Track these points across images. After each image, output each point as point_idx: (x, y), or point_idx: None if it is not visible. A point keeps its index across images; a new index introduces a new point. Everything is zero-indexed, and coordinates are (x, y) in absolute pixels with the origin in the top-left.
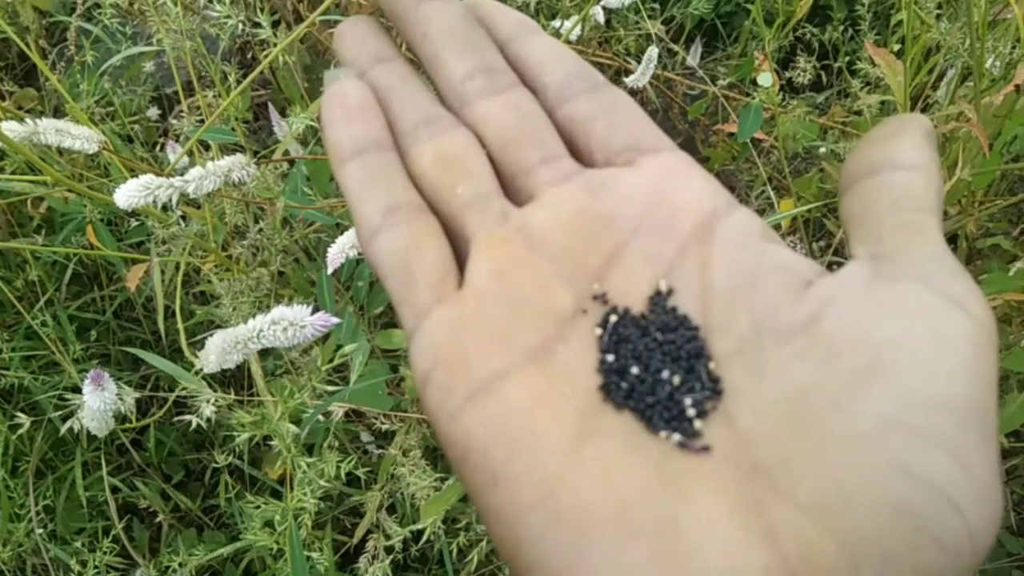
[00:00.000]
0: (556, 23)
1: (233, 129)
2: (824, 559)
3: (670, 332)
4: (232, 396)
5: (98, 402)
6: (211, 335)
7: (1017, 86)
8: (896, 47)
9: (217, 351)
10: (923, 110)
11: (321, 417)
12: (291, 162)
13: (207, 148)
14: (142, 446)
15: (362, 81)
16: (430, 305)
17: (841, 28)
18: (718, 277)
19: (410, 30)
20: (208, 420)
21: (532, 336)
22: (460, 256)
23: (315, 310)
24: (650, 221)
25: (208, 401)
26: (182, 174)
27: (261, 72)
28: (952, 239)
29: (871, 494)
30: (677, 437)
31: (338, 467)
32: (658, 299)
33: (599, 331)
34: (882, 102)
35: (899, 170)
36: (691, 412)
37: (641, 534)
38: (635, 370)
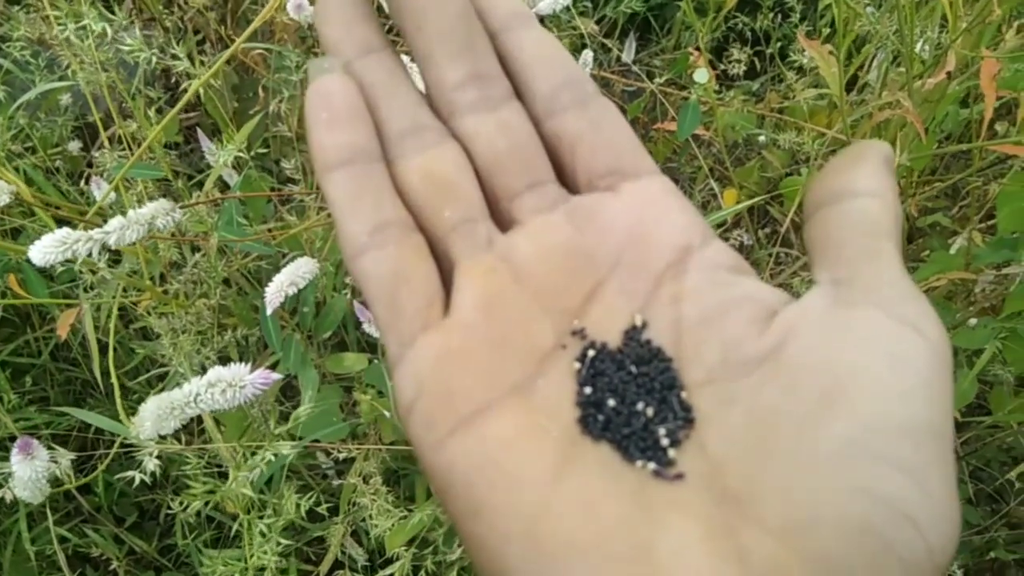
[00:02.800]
0: None
1: (158, 162)
2: None
3: (644, 364)
4: (179, 445)
5: (29, 471)
6: (155, 376)
7: (948, 72)
8: (826, 31)
9: (152, 417)
10: (858, 93)
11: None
12: (224, 189)
13: (133, 180)
14: (90, 490)
15: (349, 78)
16: (416, 333)
17: (771, 15)
18: (689, 310)
19: (404, 18)
20: (153, 473)
21: (514, 370)
22: (443, 273)
23: (262, 346)
24: (628, 257)
25: (151, 454)
26: (109, 212)
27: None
28: None
29: (835, 516)
30: (652, 466)
31: (298, 506)
32: (633, 333)
33: (577, 365)
34: (818, 93)
35: (858, 197)
36: (665, 442)
37: (619, 562)
38: (611, 402)
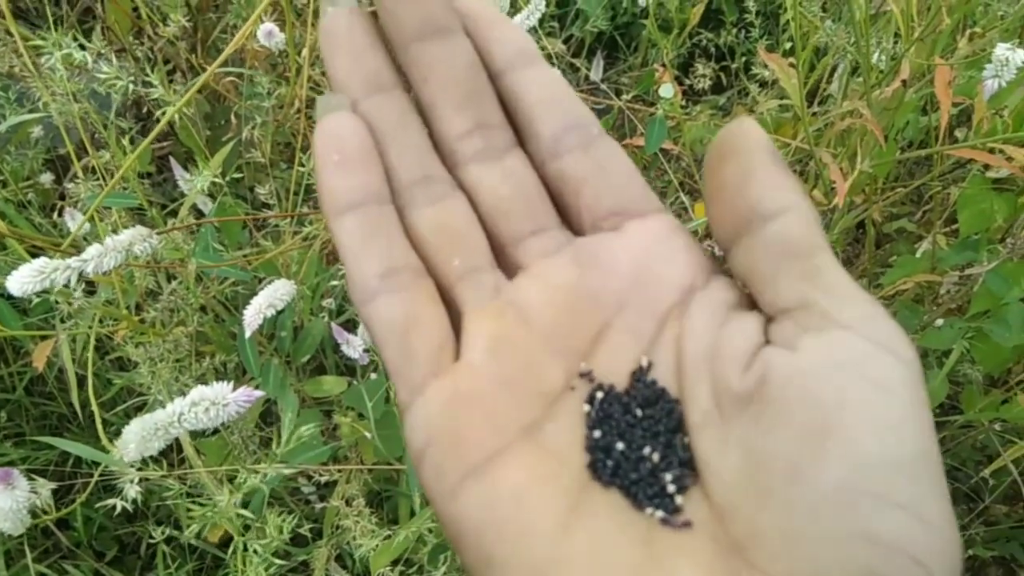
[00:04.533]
0: None
1: (131, 190)
2: None
3: (650, 407)
4: (160, 471)
5: (9, 502)
6: (132, 407)
7: (904, 81)
8: (788, 45)
9: (136, 439)
10: (820, 103)
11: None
12: (199, 217)
13: (108, 209)
14: (69, 526)
15: (358, 118)
16: (427, 379)
17: (734, 31)
18: (688, 349)
19: (411, 68)
20: (135, 501)
21: (524, 414)
22: (452, 323)
23: (241, 372)
24: (634, 298)
25: (132, 481)
26: (84, 243)
27: (168, 123)
28: (860, 225)
29: (839, 563)
30: (660, 514)
31: (281, 529)
32: (639, 374)
33: (587, 407)
34: (780, 105)
35: (770, 220)
36: (671, 488)
37: None
38: (620, 446)
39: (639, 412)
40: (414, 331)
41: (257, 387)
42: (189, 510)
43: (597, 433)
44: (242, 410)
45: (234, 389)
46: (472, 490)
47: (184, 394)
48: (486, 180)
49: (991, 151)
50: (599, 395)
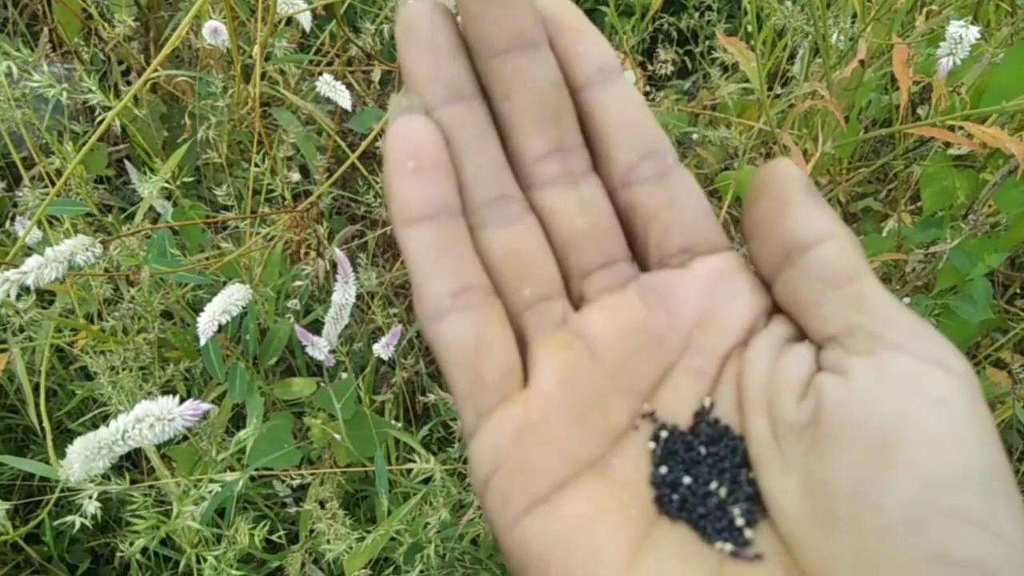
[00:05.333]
0: None
1: (82, 197)
2: None
3: (714, 444)
4: (122, 485)
5: None
6: (100, 416)
7: (861, 61)
8: (750, 28)
9: (80, 459)
10: (783, 85)
11: (220, 487)
12: (154, 221)
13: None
14: (39, 539)
15: (434, 124)
16: (495, 404)
17: (697, 15)
18: (747, 386)
19: (493, 81)
20: (105, 516)
21: (591, 447)
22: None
23: (208, 377)
24: (697, 340)
25: (91, 497)
26: (40, 251)
27: (119, 127)
28: None
29: None
30: (730, 547)
31: (251, 536)
32: (702, 413)
33: (652, 445)
34: (743, 88)
35: (808, 250)
36: (740, 522)
37: None
38: (686, 481)
39: (703, 450)
40: (484, 354)
41: (224, 392)
42: (128, 524)
43: (663, 469)
44: (189, 423)
45: (202, 394)
46: (538, 519)
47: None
48: (561, 208)
49: (951, 128)
50: (663, 433)
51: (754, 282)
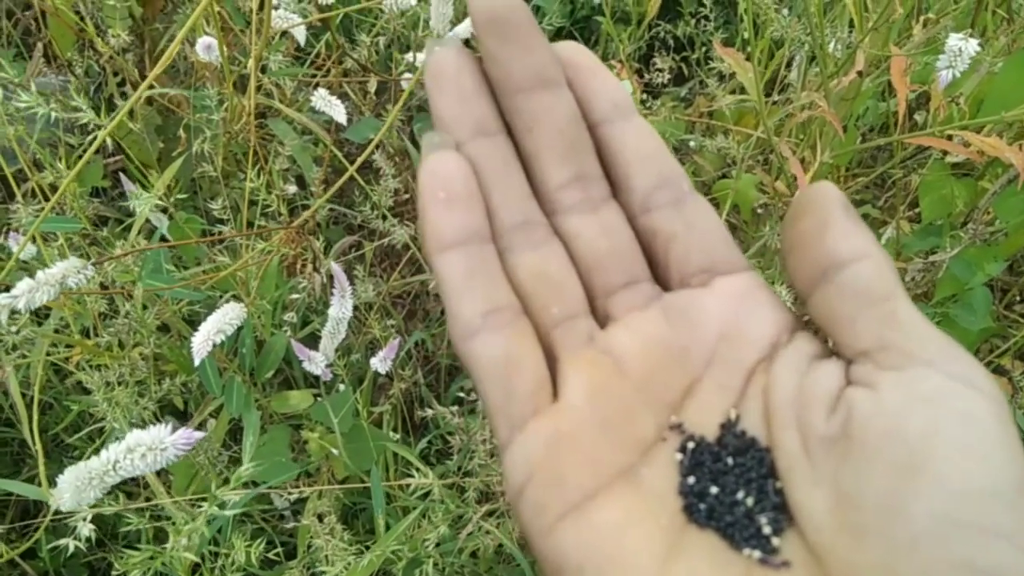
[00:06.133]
0: (409, 56)
1: (76, 213)
2: None
3: (741, 455)
4: (117, 506)
5: None
6: (96, 430)
7: (859, 72)
8: (746, 35)
9: (71, 489)
10: (780, 92)
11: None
12: (150, 234)
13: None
14: (35, 555)
15: (463, 158)
16: (527, 417)
17: (693, 22)
18: (775, 400)
19: (515, 117)
20: (88, 540)
21: (621, 458)
22: (548, 365)
23: (205, 391)
24: (722, 354)
25: (85, 519)
26: (34, 266)
27: (114, 140)
28: None
29: None
30: (758, 554)
31: (247, 553)
32: (729, 426)
33: (679, 456)
34: (738, 98)
35: (845, 267)
36: (767, 530)
37: None
38: (714, 490)
39: (730, 460)
40: (515, 370)
41: (221, 406)
42: (127, 537)
43: (691, 479)
44: (182, 453)
45: (199, 408)
46: (572, 526)
47: (144, 420)
48: (584, 232)
49: (949, 138)
50: (691, 444)
51: (775, 300)
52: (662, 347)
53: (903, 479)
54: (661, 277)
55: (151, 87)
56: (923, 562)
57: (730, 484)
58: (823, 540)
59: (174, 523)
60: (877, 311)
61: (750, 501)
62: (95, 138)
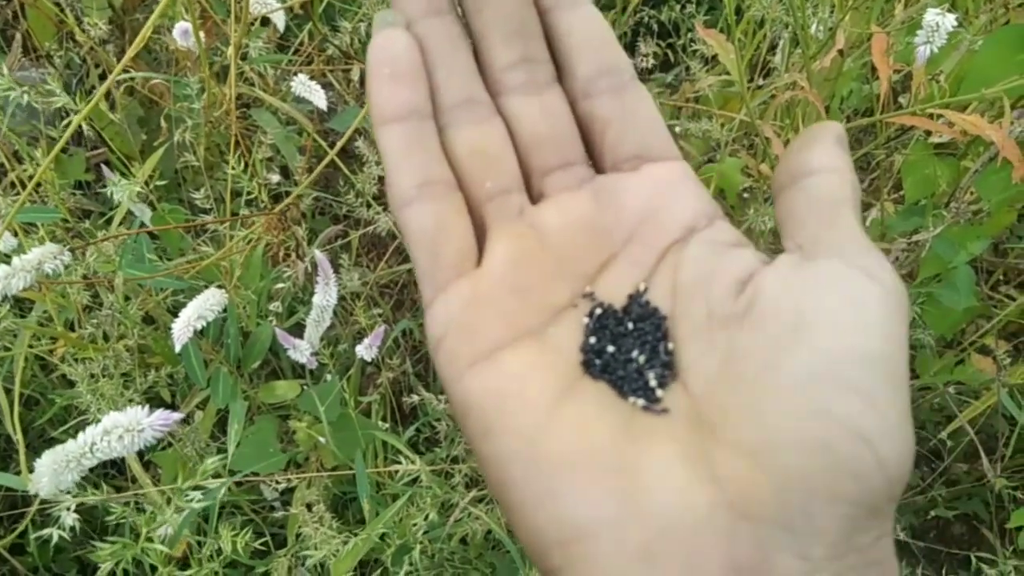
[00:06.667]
0: None
1: (56, 204)
2: (758, 493)
3: (641, 322)
4: (100, 495)
5: None
6: (83, 423)
7: (840, 50)
8: (733, 18)
9: (49, 472)
10: (764, 76)
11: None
12: (141, 227)
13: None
14: (24, 550)
15: (411, 36)
16: (450, 280)
17: (678, 7)
18: (685, 276)
19: None
20: (72, 529)
21: (531, 318)
22: (477, 234)
23: (191, 382)
24: (641, 233)
25: (69, 508)
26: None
27: (96, 132)
28: None
29: (796, 436)
30: (641, 402)
31: (234, 543)
32: (636, 296)
33: (585, 320)
34: (724, 80)
35: (814, 175)
36: (653, 383)
37: (606, 476)
38: (610, 349)
39: (631, 325)
40: (442, 237)
41: (209, 397)
42: (94, 548)
43: (592, 339)
44: (159, 434)
45: (184, 400)
46: (480, 373)
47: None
48: (525, 113)
49: (931, 117)
50: (598, 311)
51: (699, 189)
52: (585, 225)
53: (786, 342)
54: (596, 161)
55: (127, 72)
56: (787, 405)
57: (627, 344)
58: (706, 391)
59: (154, 514)
60: (824, 212)
61: (642, 359)
62: (80, 130)
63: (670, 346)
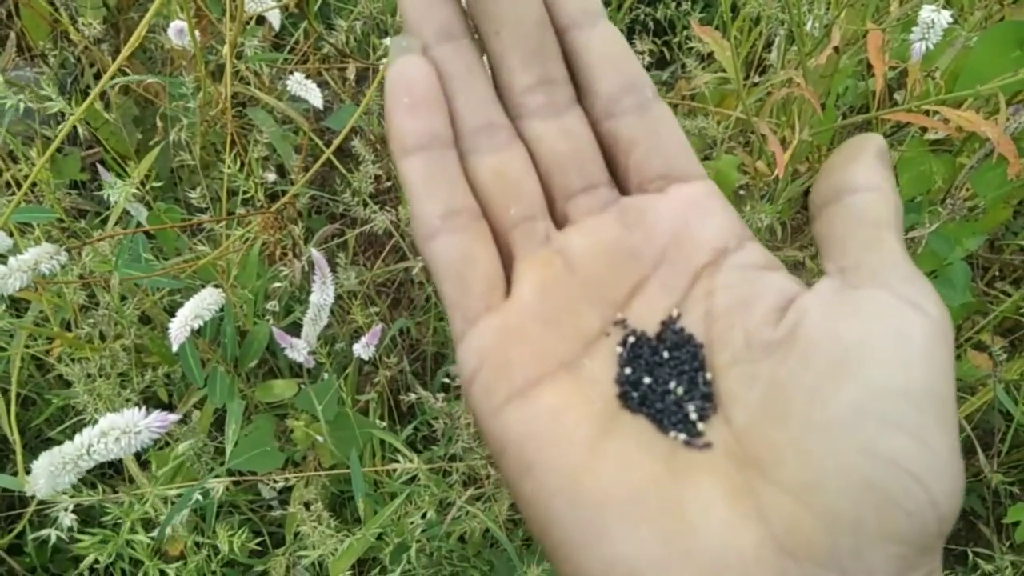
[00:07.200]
0: (387, 41)
1: (51, 204)
2: (807, 533)
3: (677, 350)
4: (97, 496)
5: None
6: (80, 423)
7: (836, 47)
8: (728, 16)
9: (46, 474)
10: (760, 74)
11: (202, 497)
12: (127, 226)
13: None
14: (21, 551)
15: (429, 63)
16: (480, 312)
17: (674, 5)
18: (720, 302)
19: (483, 21)
20: (70, 529)
21: (564, 350)
22: (503, 262)
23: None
24: (670, 256)
25: (66, 509)
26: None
27: (91, 132)
28: (808, 193)
29: (844, 474)
30: (683, 436)
31: (230, 542)
32: (669, 323)
33: (619, 349)
34: (720, 78)
35: (856, 193)
36: (694, 416)
37: (650, 515)
38: (647, 380)
39: (666, 354)
40: (471, 268)
41: (206, 396)
42: (76, 540)
43: (628, 370)
44: (156, 435)
45: (181, 399)
46: (516, 409)
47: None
48: (546, 136)
49: (926, 113)
50: (631, 339)
51: (728, 208)
52: (613, 248)
53: (831, 376)
54: (620, 182)
55: (123, 72)
56: (834, 443)
57: (664, 375)
58: (749, 424)
59: (133, 504)
60: (866, 234)
61: (680, 390)
62: (75, 130)
63: (708, 376)
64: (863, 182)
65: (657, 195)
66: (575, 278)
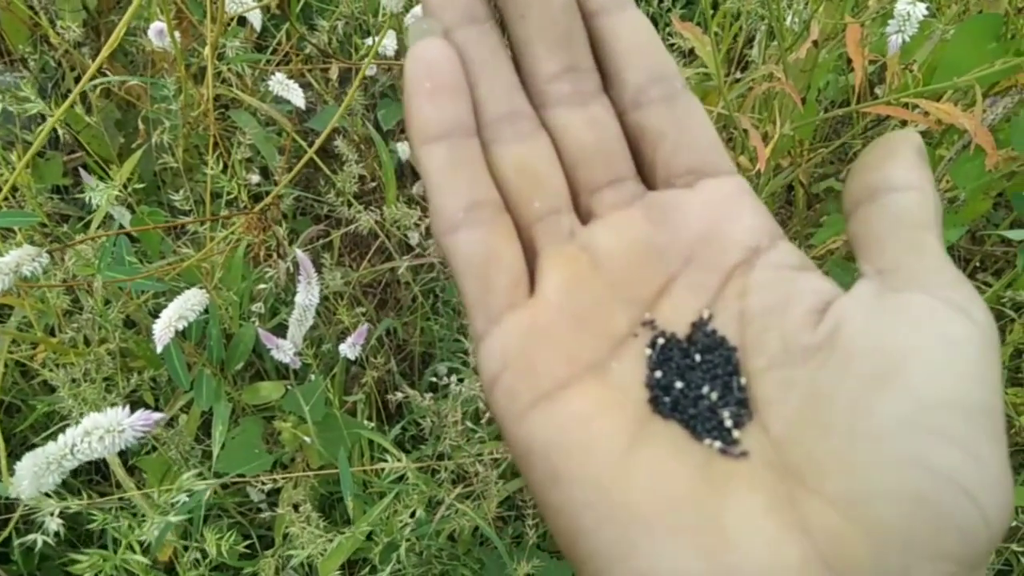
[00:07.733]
0: (369, 41)
1: (32, 208)
2: (853, 548)
3: (709, 353)
4: (83, 501)
5: None
6: (64, 429)
7: (815, 41)
8: (709, 13)
9: (29, 475)
10: (742, 70)
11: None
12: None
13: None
14: (8, 558)
15: (451, 47)
16: (503, 310)
17: (656, 1)
18: (753, 303)
19: (507, 5)
20: (57, 535)
21: (592, 352)
22: (527, 259)
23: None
24: (700, 255)
25: (52, 514)
26: None
27: (73, 135)
28: (791, 187)
29: (893, 487)
30: (718, 444)
31: (218, 546)
32: (700, 324)
33: (648, 351)
34: (703, 75)
35: (894, 192)
36: (729, 423)
37: (686, 529)
38: (679, 385)
39: (698, 357)
40: (494, 265)
41: (192, 401)
42: (74, 561)
43: (658, 373)
44: (140, 434)
45: (168, 403)
46: (542, 414)
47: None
48: (571, 126)
49: (906, 106)
50: (660, 341)
51: (759, 206)
52: (641, 245)
53: (876, 385)
54: (647, 175)
55: (103, 74)
56: (881, 456)
57: (696, 379)
58: (788, 433)
59: (135, 524)
60: (906, 235)
61: (714, 396)
62: (58, 134)
63: (743, 381)
64: (902, 181)
65: (685, 190)
66: (601, 276)
